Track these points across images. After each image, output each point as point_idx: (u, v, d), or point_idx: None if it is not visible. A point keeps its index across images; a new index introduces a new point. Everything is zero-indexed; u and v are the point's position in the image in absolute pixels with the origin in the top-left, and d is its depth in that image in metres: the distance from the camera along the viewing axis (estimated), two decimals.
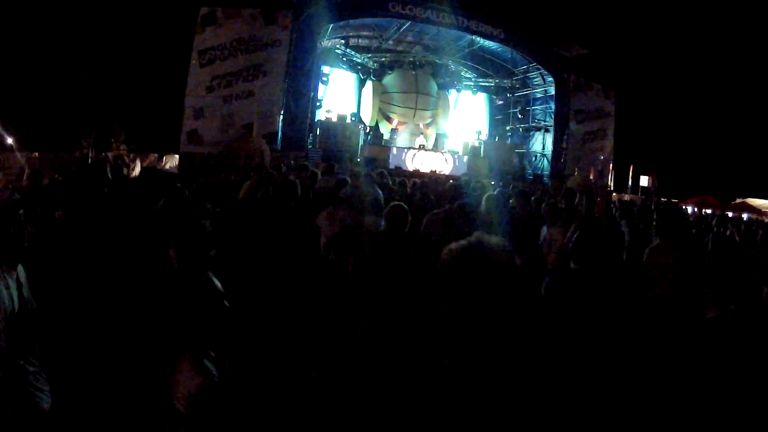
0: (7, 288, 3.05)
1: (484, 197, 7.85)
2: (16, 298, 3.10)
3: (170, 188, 6.67)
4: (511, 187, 16.28)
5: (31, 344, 3.14)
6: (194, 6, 22.91)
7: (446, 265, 1.98)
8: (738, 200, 33.52)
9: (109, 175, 6.04)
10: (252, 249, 6.19)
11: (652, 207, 12.73)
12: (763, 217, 27.78)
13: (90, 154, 14.72)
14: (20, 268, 3.25)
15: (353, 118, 30.50)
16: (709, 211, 26.49)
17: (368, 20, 27.07)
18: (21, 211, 6.09)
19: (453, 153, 30.92)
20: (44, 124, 21.41)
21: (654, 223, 7.13)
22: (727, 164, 49.66)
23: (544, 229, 7.57)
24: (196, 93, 22.72)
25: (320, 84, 29.64)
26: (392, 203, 5.66)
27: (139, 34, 26.14)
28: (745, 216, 25.90)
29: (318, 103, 29.23)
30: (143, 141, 20.98)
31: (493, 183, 16.68)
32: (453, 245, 2.01)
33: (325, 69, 30.24)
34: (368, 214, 6.94)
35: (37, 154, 17.48)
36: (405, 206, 5.50)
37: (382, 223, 5.80)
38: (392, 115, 32.41)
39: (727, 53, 50.09)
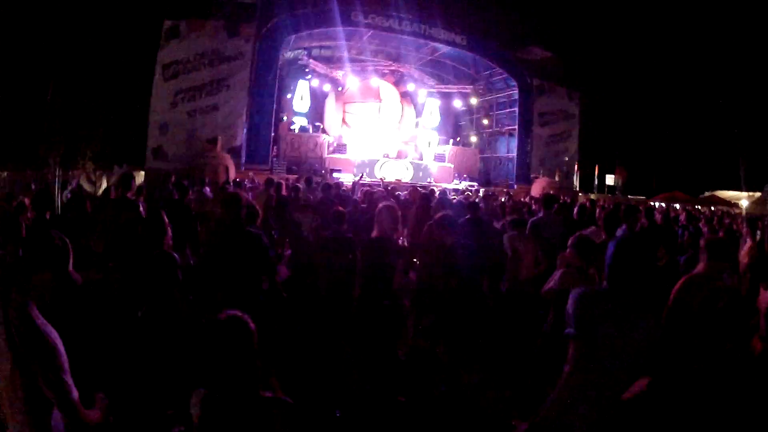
0: None
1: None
2: None
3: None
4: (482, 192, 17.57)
5: None
6: (158, 19, 23.52)
7: None
8: (707, 193, 35.35)
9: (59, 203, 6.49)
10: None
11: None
12: (733, 208, 29.19)
13: (57, 173, 15.34)
14: None
15: (316, 129, 31.49)
16: (677, 206, 27.63)
17: (331, 30, 27.85)
18: None
19: (417, 161, 32.04)
20: (10, 142, 21.81)
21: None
22: (694, 159, 51.42)
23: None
24: (160, 108, 23.37)
25: (283, 96, 30.50)
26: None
27: (104, 49, 26.67)
28: (713, 208, 27.20)
29: (281, 116, 30.05)
30: (110, 158, 21.57)
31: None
32: None
33: (288, 80, 31.34)
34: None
35: (6, 174, 18.03)
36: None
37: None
38: (356, 125, 33.69)
39: (689, 50, 51.87)
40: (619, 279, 3.17)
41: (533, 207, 13.84)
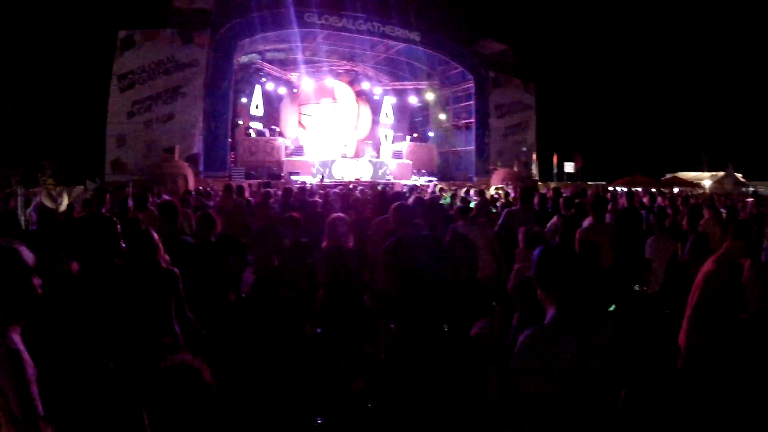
0: None
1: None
2: None
3: None
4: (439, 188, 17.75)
5: None
6: (113, 30, 23.37)
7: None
8: (668, 176, 35.72)
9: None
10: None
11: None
12: (696, 188, 29.94)
13: (19, 192, 15.05)
14: None
15: (273, 133, 31.52)
16: (639, 189, 27.70)
17: (284, 32, 27.84)
18: None
19: (375, 159, 32.35)
20: None
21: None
22: (654, 142, 52.92)
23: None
24: (117, 120, 23.23)
25: (239, 101, 30.42)
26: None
27: (59, 63, 26.26)
28: (676, 189, 27.89)
29: (237, 121, 29.94)
30: (69, 173, 21.16)
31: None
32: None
33: (243, 85, 31.24)
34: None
35: None
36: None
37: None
38: (312, 126, 33.84)
39: (642, 35, 53.11)
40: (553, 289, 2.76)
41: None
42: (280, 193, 13.86)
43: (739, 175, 33.28)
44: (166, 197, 13.29)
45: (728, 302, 4.63)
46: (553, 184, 30.40)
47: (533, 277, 2.87)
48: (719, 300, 4.64)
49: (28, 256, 2.81)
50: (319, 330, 6.01)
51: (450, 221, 8.29)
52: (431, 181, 28.25)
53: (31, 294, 2.80)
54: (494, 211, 11.07)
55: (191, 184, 21.05)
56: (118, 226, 6.32)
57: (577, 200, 10.54)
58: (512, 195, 15.53)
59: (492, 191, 21.09)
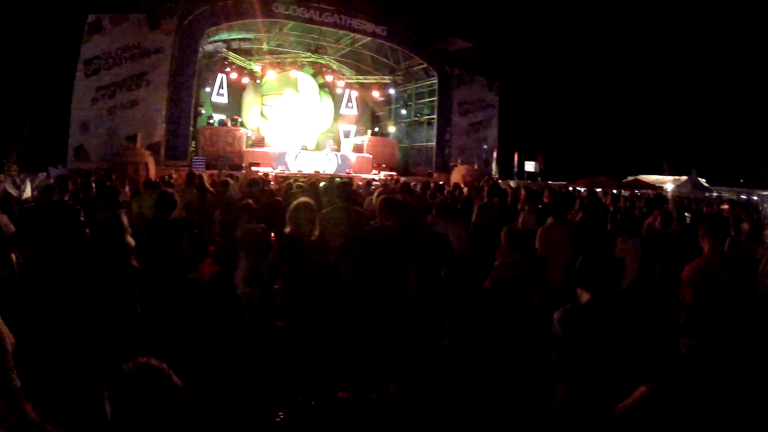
0: None
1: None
2: None
3: None
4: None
5: None
6: (82, 14, 23.05)
7: None
8: (630, 178, 36.03)
9: None
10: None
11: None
12: (658, 191, 29.94)
13: None
14: None
15: (235, 123, 31.43)
16: (599, 189, 27.93)
17: (250, 22, 27.78)
18: None
19: (336, 152, 32.52)
20: None
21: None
22: (616, 145, 53.95)
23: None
24: (81, 106, 22.95)
25: (202, 89, 30.24)
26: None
27: (27, 47, 25.77)
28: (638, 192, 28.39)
29: (200, 110, 29.78)
30: (34, 160, 20.85)
31: None
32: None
33: (207, 74, 31.15)
34: None
35: None
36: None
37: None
38: (274, 117, 33.88)
39: (606, 38, 53.99)
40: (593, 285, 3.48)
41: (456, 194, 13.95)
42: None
43: (702, 180, 33.58)
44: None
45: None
46: (512, 183, 30.88)
47: (575, 278, 3.61)
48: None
49: None
50: (278, 323, 5.90)
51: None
52: (391, 175, 28.42)
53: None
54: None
55: (152, 173, 20.95)
56: (81, 214, 6.36)
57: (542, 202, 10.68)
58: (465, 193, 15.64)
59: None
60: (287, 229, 5.71)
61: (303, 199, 5.90)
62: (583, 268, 3.53)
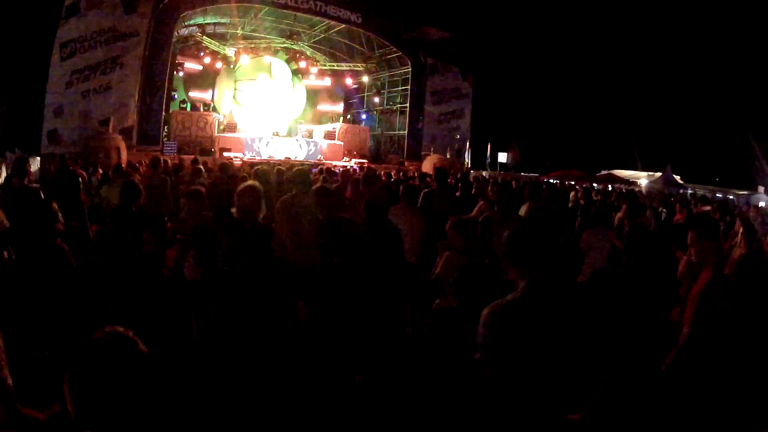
0: None
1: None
2: None
3: None
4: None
5: None
6: None
7: None
8: (604, 172, 36.18)
9: None
10: None
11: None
12: (632, 186, 30.21)
13: None
14: None
15: (207, 108, 31.53)
16: (573, 182, 28.07)
17: (226, 6, 27.82)
18: None
19: (307, 139, 32.81)
20: None
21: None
22: (590, 138, 54.98)
23: None
24: (55, 90, 22.75)
25: (175, 74, 30.19)
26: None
27: (4, 30, 25.44)
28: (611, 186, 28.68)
29: (173, 94, 29.73)
30: (6, 144, 20.65)
31: None
32: None
33: (181, 58, 31.04)
34: None
35: None
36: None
37: None
38: (246, 103, 33.96)
39: (583, 32, 54.57)
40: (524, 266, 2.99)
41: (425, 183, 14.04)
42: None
43: (677, 177, 33.54)
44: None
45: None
46: (484, 173, 31.16)
47: (503, 257, 3.12)
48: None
49: None
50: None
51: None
52: (362, 163, 28.66)
53: None
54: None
55: (124, 158, 20.93)
56: (41, 194, 6.33)
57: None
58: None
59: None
60: (233, 211, 5.75)
61: (249, 182, 5.92)
62: (513, 245, 3.05)
